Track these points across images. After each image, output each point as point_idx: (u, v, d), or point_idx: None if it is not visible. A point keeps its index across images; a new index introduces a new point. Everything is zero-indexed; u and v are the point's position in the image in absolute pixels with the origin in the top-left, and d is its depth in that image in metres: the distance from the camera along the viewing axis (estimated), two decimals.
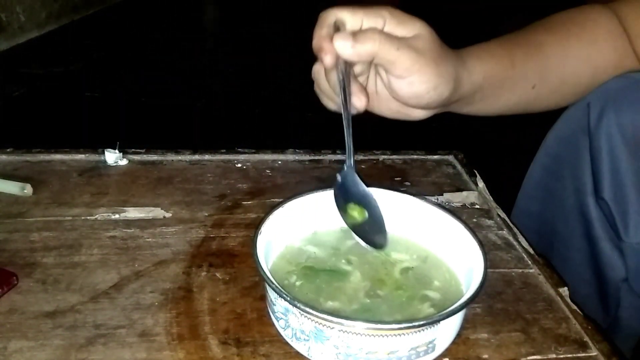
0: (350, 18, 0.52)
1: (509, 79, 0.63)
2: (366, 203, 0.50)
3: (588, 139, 0.68)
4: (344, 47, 0.49)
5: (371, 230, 0.50)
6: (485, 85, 0.60)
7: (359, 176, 0.51)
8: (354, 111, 0.51)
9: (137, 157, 0.70)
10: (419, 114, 0.58)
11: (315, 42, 0.52)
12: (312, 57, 0.55)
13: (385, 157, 0.74)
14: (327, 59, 0.51)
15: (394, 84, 0.54)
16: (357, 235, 0.49)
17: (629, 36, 0.68)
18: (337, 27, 0.51)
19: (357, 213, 0.50)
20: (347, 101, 0.50)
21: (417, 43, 0.52)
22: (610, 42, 0.68)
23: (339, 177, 0.51)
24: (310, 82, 0.58)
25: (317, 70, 0.55)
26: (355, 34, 0.50)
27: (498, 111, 0.67)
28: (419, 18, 0.54)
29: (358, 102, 0.52)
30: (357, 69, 0.55)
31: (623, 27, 0.68)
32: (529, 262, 0.55)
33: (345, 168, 0.50)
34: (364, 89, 0.54)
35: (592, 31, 0.68)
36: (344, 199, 0.50)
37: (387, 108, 0.58)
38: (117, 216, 0.59)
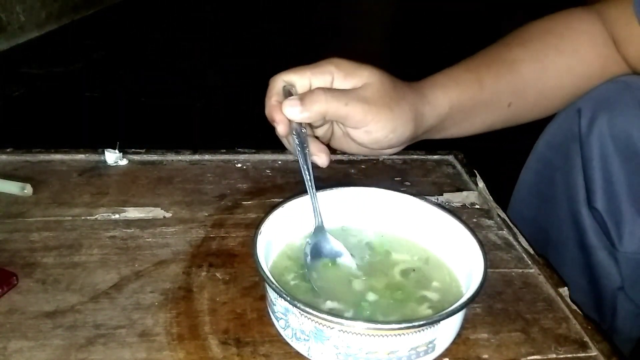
0: (299, 79, 0.54)
1: (479, 102, 0.62)
2: (339, 257, 0.49)
3: (579, 146, 0.67)
4: (293, 113, 0.52)
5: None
6: (453, 113, 0.60)
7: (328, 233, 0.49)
8: (318, 166, 0.53)
9: (137, 157, 0.70)
10: (388, 152, 0.61)
11: (267, 112, 0.54)
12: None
13: (385, 157, 0.74)
14: (280, 129, 0.53)
15: (352, 134, 0.56)
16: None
17: (616, 41, 0.65)
18: (288, 91, 0.53)
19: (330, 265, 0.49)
20: (307, 162, 0.51)
21: (366, 93, 0.53)
22: (594, 49, 0.66)
23: (309, 241, 0.49)
24: None
25: (279, 134, 0.57)
26: (303, 97, 0.52)
27: (475, 132, 0.67)
28: (367, 65, 0.55)
29: (319, 161, 0.54)
30: (318, 122, 0.56)
31: (609, 32, 0.65)
32: (529, 262, 0.55)
33: (314, 230, 0.49)
34: (324, 147, 0.56)
35: (573, 40, 0.66)
36: (317, 259, 0.48)
37: (359, 149, 0.60)
38: (117, 216, 0.59)
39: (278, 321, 0.43)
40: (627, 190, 0.64)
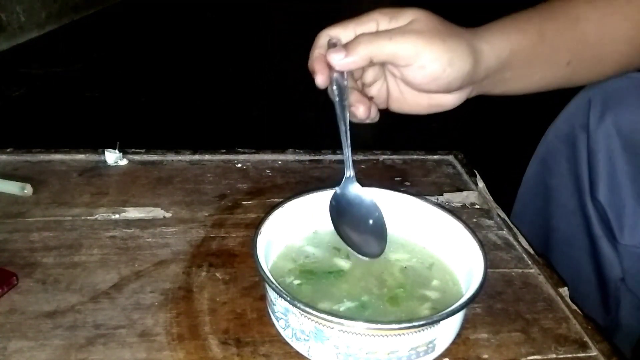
0: (343, 32, 0.52)
1: (539, 54, 0.58)
2: (368, 213, 0.50)
3: (586, 136, 0.67)
4: (337, 59, 0.49)
5: (368, 239, 0.50)
6: (513, 60, 0.56)
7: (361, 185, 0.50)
8: (359, 119, 0.51)
9: (137, 157, 0.70)
10: (450, 100, 0.55)
11: (309, 64, 0.52)
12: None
13: (385, 157, 0.74)
14: (319, 79, 0.51)
15: (406, 76, 0.51)
16: (352, 244, 0.49)
17: None
18: (333, 44, 0.51)
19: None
20: (345, 113, 0.50)
21: (414, 26, 0.50)
22: None
23: (337, 190, 0.50)
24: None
25: (318, 85, 0.53)
26: (347, 44, 0.50)
27: (534, 89, 0.62)
28: (413, 7, 0.52)
29: (357, 112, 0.51)
30: (369, 77, 0.54)
31: None
32: (529, 262, 0.55)
33: (344, 180, 0.50)
34: (366, 99, 0.53)
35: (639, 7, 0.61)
36: (342, 212, 0.50)
37: (417, 104, 0.56)
38: (117, 216, 0.59)
39: (278, 321, 0.43)
40: (630, 184, 0.65)
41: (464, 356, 0.44)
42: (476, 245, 0.46)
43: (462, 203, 0.65)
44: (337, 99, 0.50)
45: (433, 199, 0.65)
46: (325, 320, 0.38)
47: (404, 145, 0.78)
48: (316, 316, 0.38)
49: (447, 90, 0.53)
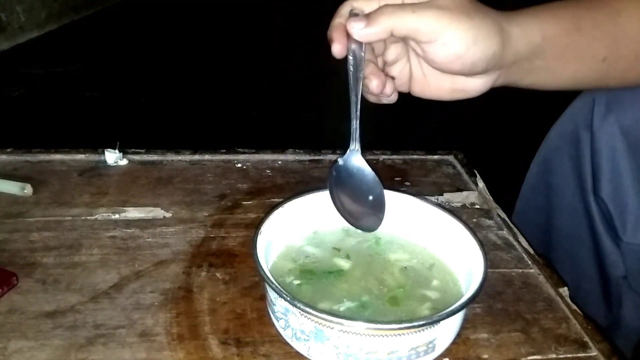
0: (366, 3, 0.49)
1: (574, 45, 0.54)
2: (369, 189, 0.50)
3: (590, 135, 0.67)
4: (357, 28, 0.47)
5: (366, 213, 0.50)
6: (546, 48, 0.52)
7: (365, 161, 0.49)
8: (372, 93, 0.50)
9: (137, 157, 0.70)
10: (475, 85, 0.51)
11: (328, 33, 0.50)
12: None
13: (385, 157, 0.74)
14: (335, 48, 0.48)
15: (429, 53, 0.49)
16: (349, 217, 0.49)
17: None
18: (356, 15, 0.49)
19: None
20: (358, 86, 0.48)
21: (440, 1, 0.47)
22: None
23: (340, 161, 0.49)
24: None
25: (334, 54, 0.50)
26: (368, 14, 0.47)
27: (566, 85, 0.59)
28: None
29: (370, 84, 0.49)
30: (391, 54, 0.52)
31: None
32: (529, 262, 0.55)
33: (348, 151, 0.49)
34: (381, 73, 0.50)
35: None
36: (342, 183, 0.49)
37: (440, 88, 0.53)
38: (117, 216, 0.59)
39: (278, 321, 0.43)
40: (633, 183, 0.65)
41: (464, 356, 0.44)
42: (476, 245, 0.46)
43: (462, 203, 0.65)
44: (351, 69, 0.48)
45: (433, 199, 0.65)
46: (325, 320, 0.38)
47: (404, 145, 0.78)
48: (316, 316, 0.38)
49: (471, 72, 0.50)
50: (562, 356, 0.44)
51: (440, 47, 0.47)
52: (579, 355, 0.45)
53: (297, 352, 0.42)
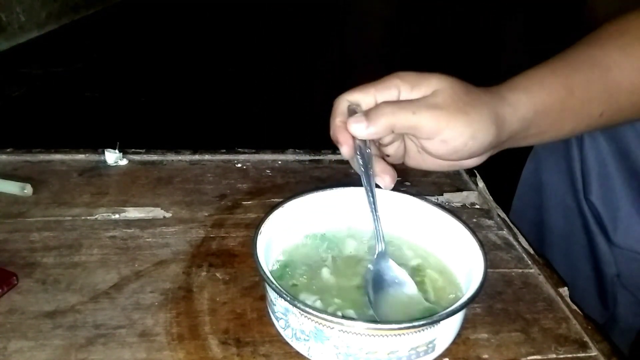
0: (363, 98, 0.50)
1: (568, 109, 0.54)
2: (408, 299, 0.46)
3: (578, 141, 0.68)
4: (359, 129, 0.48)
5: (393, 310, 0.45)
6: (539, 118, 0.53)
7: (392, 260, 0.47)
8: (384, 188, 0.50)
9: (137, 157, 0.70)
10: (471, 162, 0.53)
11: (331, 134, 0.51)
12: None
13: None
14: (344, 150, 0.49)
15: (427, 147, 0.50)
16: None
17: None
18: (353, 111, 0.50)
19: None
20: (371, 184, 0.48)
21: (436, 99, 0.48)
22: None
23: (370, 267, 0.47)
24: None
25: (344, 156, 0.52)
26: (368, 113, 0.48)
27: (566, 137, 0.60)
28: (435, 73, 0.50)
29: (382, 182, 0.50)
30: (387, 139, 0.52)
31: None
32: (529, 262, 0.55)
33: (377, 255, 0.48)
34: (390, 168, 0.51)
35: None
36: (377, 287, 0.46)
37: (436, 164, 0.54)
38: (117, 216, 0.59)
39: (278, 321, 0.43)
40: (623, 188, 0.65)
41: (464, 356, 0.44)
42: (476, 245, 0.46)
43: (462, 203, 0.65)
44: (362, 169, 0.49)
45: (433, 199, 0.65)
46: (325, 320, 0.38)
47: None
48: (316, 316, 0.38)
49: (469, 158, 0.52)
50: (562, 356, 0.44)
51: (440, 144, 0.49)
52: (579, 355, 0.45)
53: (297, 352, 0.42)
